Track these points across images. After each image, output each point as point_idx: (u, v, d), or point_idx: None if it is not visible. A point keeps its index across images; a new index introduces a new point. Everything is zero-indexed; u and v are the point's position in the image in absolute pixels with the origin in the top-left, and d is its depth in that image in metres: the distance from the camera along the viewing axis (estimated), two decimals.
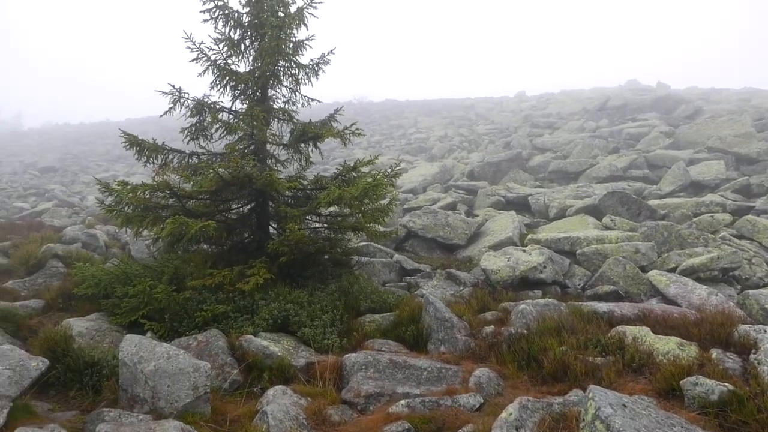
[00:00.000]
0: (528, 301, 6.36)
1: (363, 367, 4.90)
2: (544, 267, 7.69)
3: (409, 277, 8.56)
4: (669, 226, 9.57)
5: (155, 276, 6.15)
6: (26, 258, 8.31)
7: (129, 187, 6.29)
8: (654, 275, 7.58)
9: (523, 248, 8.60)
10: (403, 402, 4.18)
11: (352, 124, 7.40)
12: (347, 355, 5.06)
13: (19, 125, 67.04)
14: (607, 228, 10.10)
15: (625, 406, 3.22)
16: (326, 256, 7.39)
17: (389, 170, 7.28)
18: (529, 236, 9.78)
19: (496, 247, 9.45)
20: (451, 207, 13.87)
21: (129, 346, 4.56)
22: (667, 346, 4.75)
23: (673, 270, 7.95)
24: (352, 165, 7.23)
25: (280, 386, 4.56)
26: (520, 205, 14.12)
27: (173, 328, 5.69)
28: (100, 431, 3.63)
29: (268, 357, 5.05)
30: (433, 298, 5.99)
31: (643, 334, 5.02)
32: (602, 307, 6.02)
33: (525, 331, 5.38)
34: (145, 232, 6.83)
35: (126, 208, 6.68)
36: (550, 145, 22.17)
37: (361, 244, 9.46)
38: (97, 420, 3.96)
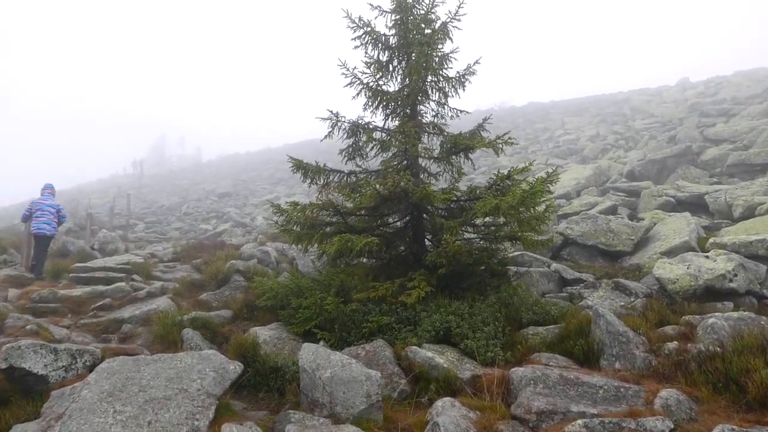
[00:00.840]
0: (717, 314, 5.63)
1: (531, 382, 4.73)
2: (735, 275, 6.74)
3: (570, 288, 8.10)
4: None
5: (324, 289, 6.62)
6: (215, 273, 9.51)
7: (299, 207, 6.87)
8: None
9: (705, 254, 7.64)
10: (579, 422, 3.93)
11: (504, 134, 7.27)
12: (514, 369, 4.92)
13: (199, 158, 77.63)
14: None
15: None
16: (482, 267, 7.31)
17: (544, 176, 7.01)
18: (711, 240, 8.65)
19: (669, 253, 8.54)
20: (611, 211, 12.88)
21: (307, 354, 4.95)
22: None
23: None
24: (506, 173, 7.09)
25: (447, 398, 4.59)
26: (693, 205, 12.61)
27: (342, 338, 6.05)
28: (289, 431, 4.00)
29: (434, 368, 5.12)
30: (603, 310, 5.59)
31: None
32: None
33: (718, 349, 4.76)
34: (310, 248, 7.40)
35: (295, 227, 7.31)
36: (726, 135, 19.52)
37: (516, 253, 9.20)
38: (285, 421, 4.34)
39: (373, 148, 7.59)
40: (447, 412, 4.34)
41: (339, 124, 7.76)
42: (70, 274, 10.02)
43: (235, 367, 4.73)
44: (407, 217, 7.58)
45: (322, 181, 7.70)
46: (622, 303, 7.05)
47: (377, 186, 6.43)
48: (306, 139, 66.91)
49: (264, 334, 6.17)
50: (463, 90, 7.94)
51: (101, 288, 8.88)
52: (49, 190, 11.11)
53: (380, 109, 7.81)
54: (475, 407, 4.54)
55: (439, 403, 4.53)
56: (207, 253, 12.74)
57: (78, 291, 8.72)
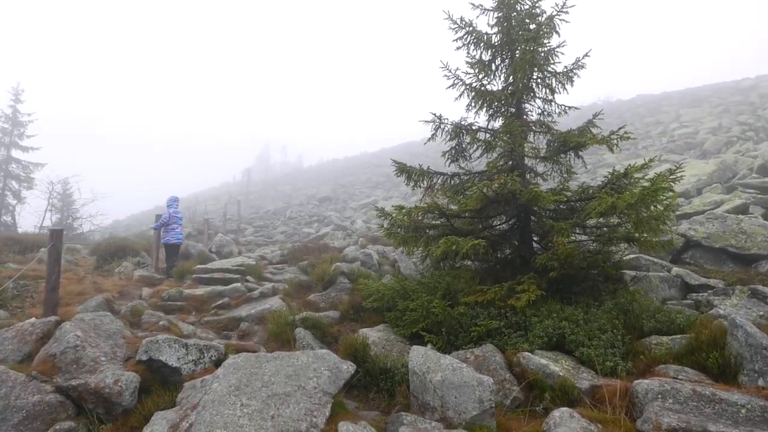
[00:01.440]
0: None
1: (659, 396, 4.38)
2: None
3: (695, 294, 7.41)
4: None
5: (430, 291, 6.61)
6: (321, 275, 9.85)
7: (404, 210, 6.93)
8: None
9: None
10: None
11: (619, 128, 6.85)
12: (638, 381, 4.58)
13: (300, 164, 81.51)
14: None
15: None
16: (596, 271, 6.92)
17: (666, 172, 6.48)
18: None
19: None
20: (741, 210, 11.64)
21: (417, 357, 4.96)
22: None
23: None
24: (623, 171, 6.65)
25: (565, 408, 4.37)
26: None
27: (450, 341, 6.00)
28: None
29: (548, 376, 4.91)
30: (742, 320, 5.04)
31: None
32: None
33: None
34: (415, 251, 7.42)
35: (399, 230, 7.38)
36: None
37: (630, 256, 8.60)
38: (397, 422, 4.38)
39: (477, 149, 7.48)
40: (566, 423, 4.14)
41: (442, 126, 7.73)
42: (193, 275, 10.90)
43: (348, 367, 4.85)
44: (513, 219, 7.37)
45: (425, 183, 7.72)
46: (761, 313, 6.34)
47: (483, 188, 6.31)
48: (401, 143, 67.97)
49: (372, 335, 6.28)
50: (571, 85, 7.59)
51: (220, 288, 9.55)
52: (176, 202, 12.64)
53: (484, 110, 7.69)
54: (597, 420, 4.28)
55: (556, 413, 4.33)
56: (312, 255, 13.29)
57: (200, 290, 9.45)
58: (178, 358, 5.28)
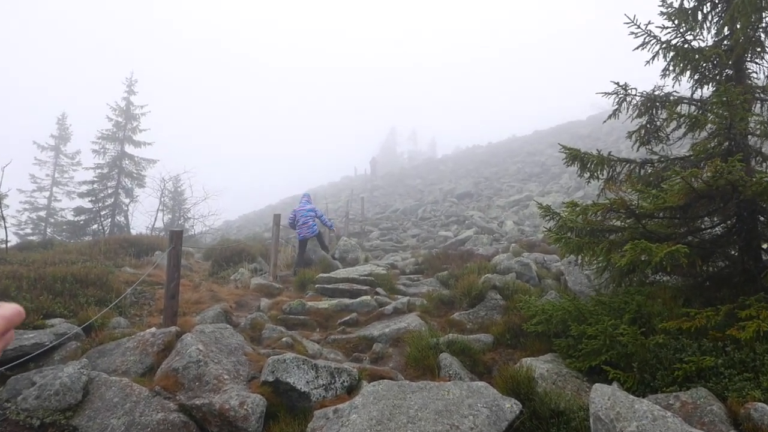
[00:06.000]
0: None
1: None
2: None
3: None
4: None
5: (614, 314, 6.23)
6: (467, 289, 9.79)
7: (578, 208, 6.61)
8: None
9: None
10: None
11: None
12: None
13: (434, 153, 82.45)
14: None
15: None
16: None
17: None
18: None
19: None
20: None
21: (601, 399, 4.68)
22: None
23: None
24: None
25: None
26: None
27: (643, 381, 5.58)
28: None
29: None
30: None
31: None
32: None
33: None
34: (593, 260, 7.05)
35: (569, 234, 7.06)
36: None
37: None
38: None
39: (677, 127, 6.91)
40: None
41: (628, 98, 7.27)
42: (316, 285, 11.47)
43: (511, 406, 4.73)
44: (732, 220, 6.68)
45: (605, 174, 7.31)
46: None
47: (689, 178, 5.78)
48: (559, 123, 65.71)
49: (539, 367, 6.06)
50: None
51: (347, 301, 9.92)
52: (306, 198, 15.85)
53: (687, 74, 7.08)
54: None
55: None
56: (453, 264, 13.31)
57: (324, 303, 9.90)
58: (307, 382, 5.54)
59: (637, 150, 7.47)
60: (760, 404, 4.70)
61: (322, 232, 16.54)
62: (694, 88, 7.20)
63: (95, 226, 30.56)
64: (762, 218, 6.51)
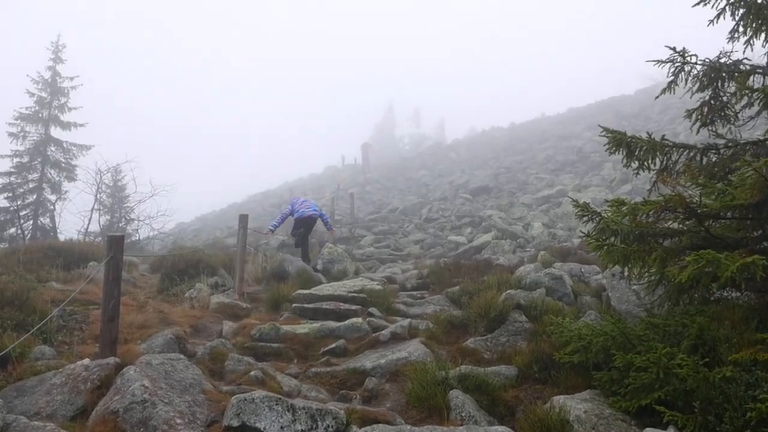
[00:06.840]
0: None
1: None
2: None
3: None
4: None
5: (669, 340, 6.25)
6: (484, 309, 9.78)
7: (625, 207, 6.62)
8: None
9: None
10: None
11: None
12: None
13: (442, 138, 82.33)
14: None
15: None
16: None
17: None
18: None
19: None
20: None
21: None
22: None
23: None
24: None
25: None
26: None
27: (707, 424, 5.59)
28: None
29: None
30: None
31: None
32: None
33: None
34: (644, 273, 7.07)
35: (613, 239, 7.08)
36: None
37: None
38: None
39: (748, 103, 6.94)
40: None
41: (686, 68, 7.30)
42: (293, 304, 11.45)
43: None
44: None
45: (657, 164, 7.34)
46: None
47: (764, 169, 5.81)
48: (599, 99, 65.77)
49: (575, 407, 6.07)
50: None
51: (332, 325, 9.91)
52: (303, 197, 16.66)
53: (761, 37, 7.12)
54: None
55: None
56: (466, 277, 13.29)
57: (304, 328, 9.89)
58: (282, 427, 5.53)
59: (698, 133, 7.50)
60: None
61: (315, 241, 17.06)
62: None
63: (12, 230, 30.24)
64: None
